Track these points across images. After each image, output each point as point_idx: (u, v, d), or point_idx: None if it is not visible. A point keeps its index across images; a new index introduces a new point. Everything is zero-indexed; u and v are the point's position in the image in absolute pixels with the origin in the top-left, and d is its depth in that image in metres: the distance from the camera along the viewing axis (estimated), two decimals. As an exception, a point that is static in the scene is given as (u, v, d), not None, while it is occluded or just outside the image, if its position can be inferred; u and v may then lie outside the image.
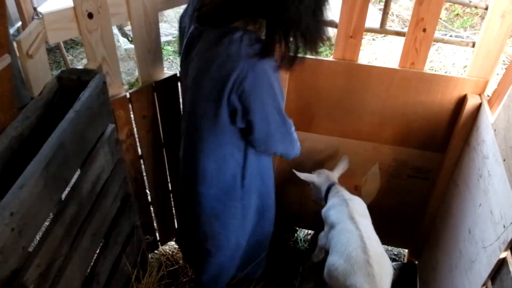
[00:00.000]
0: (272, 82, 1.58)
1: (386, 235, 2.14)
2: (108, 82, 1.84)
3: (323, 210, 2.18)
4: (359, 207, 2.09)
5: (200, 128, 1.72)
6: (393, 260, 2.79)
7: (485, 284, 1.59)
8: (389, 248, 2.87)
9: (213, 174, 1.83)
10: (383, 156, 2.35)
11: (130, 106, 2.00)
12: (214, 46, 1.53)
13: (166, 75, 2.10)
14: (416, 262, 2.70)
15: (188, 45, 1.66)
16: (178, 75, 2.09)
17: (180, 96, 1.99)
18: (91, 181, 1.60)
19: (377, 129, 2.26)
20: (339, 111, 2.16)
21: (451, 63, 4.62)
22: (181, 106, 2.00)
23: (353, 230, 1.90)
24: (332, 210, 2.10)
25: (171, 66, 4.86)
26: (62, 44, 3.94)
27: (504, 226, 1.49)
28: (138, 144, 2.16)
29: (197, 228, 2.02)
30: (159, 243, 2.65)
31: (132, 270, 2.14)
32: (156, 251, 2.66)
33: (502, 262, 1.50)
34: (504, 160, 1.59)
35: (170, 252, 2.69)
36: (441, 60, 4.66)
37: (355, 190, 2.50)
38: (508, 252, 1.47)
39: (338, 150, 2.28)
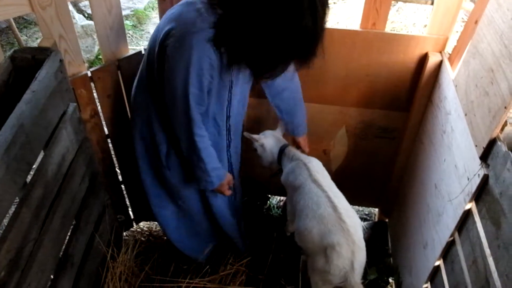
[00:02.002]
0: (192, 61, 1.55)
1: (356, 195, 2.18)
2: (67, 60, 1.79)
3: (283, 177, 2.18)
4: (318, 167, 2.10)
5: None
6: (364, 219, 2.86)
7: (452, 235, 1.65)
8: (360, 208, 2.94)
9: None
10: (350, 119, 2.38)
11: (92, 84, 1.94)
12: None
13: (130, 52, 2.04)
14: (387, 220, 2.77)
15: None
16: (143, 52, 2.04)
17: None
18: (56, 162, 1.57)
19: (342, 92, 2.27)
20: (303, 76, 2.15)
21: (412, 23, 4.66)
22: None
23: (319, 192, 1.93)
24: (292, 175, 2.10)
25: (131, 41, 4.73)
26: (13, 23, 3.77)
27: (468, 179, 1.54)
28: (104, 123, 2.11)
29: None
30: (133, 221, 2.63)
31: (107, 249, 2.13)
32: (132, 229, 2.65)
33: (468, 214, 1.55)
34: (465, 115, 1.63)
35: (146, 229, 2.68)
36: (402, 21, 4.70)
37: (324, 155, 2.53)
38: (473, 203, 1.52)
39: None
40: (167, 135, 1.88)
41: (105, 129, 2.13)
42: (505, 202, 1.28)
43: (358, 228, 1.87)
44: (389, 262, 2.50)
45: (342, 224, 1.81)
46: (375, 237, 2.66)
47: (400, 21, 4.71)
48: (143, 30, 5.07)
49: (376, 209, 2.91)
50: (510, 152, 1.31)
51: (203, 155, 1.78)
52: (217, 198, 2.11)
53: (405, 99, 2.24)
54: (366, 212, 2.95)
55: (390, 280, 2.42)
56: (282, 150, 2.19)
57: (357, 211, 2.89)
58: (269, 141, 2.21)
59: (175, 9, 1.61)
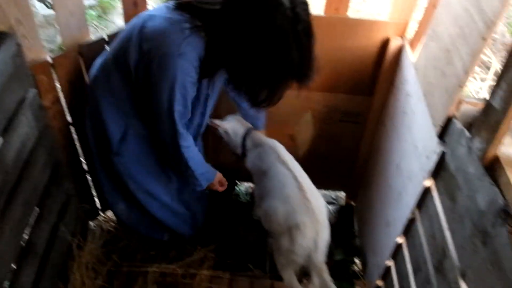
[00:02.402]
0: (176, 82, 1.59)
1: (323, 180, 2.21)
2: (26, 45, 1.74)
3: (249, 162, 2.18)
4: (281, 149, 2.11)
5: None
6: (331, 203, 2.90)
7: (412, 212, 1.70)
8: (327, 192, 2.98)
9: None
10: (315, 104, 2.40)
11: (53, 71, 1.90)
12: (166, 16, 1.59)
13: (92, 39, 2.01)
14: (353, 204, 2.82)
15: None
16: (106, 38, 2.02)
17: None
18: (15, 149, 1.53)
19: (307, 77, 2.28)
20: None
21: (377, 12, 4.73)
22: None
23: (285, 172, 1.95)
24: (259, 159, 2.11)
25: (95, 31, 4.64)
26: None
27: (426, 157, 1.58)
28: (66, 111, 2.07)
29: None
30: (99, 211, 2.60)
31: (73, 238, 2.10)
32: (99, 217, 2.61)
33: (427, 191, 1.60)
34: (425, 96, 1.68)
35: (114, 218, 2.65)
36: (368, 10, 4.76)
37: (290, 140, 2.55)
38: (431, 180, 1.57)
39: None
40: (125, 122, 1.88)
41: (68, 117, 2.09)
42: (460, 176, 1.33)
43: (323, 208, 1.89)
44: (355, 243, 2.55)
45: (307, 204, 1.83)
46: (342, 220, 2.71)
47: (366, 10, 4.77)
48: (107, 20, 4.97)
49: (343, 193, 2.96)
50: (464, 129, 1.36)
51: (190, 164, 1.85)
52: (161, 189, 2.12)
53: (369, 83, 2.28)
54: (333, 196, 2.99)
55: (357, 261, 2.47)
56: (246, 134, 2.18)
57: (324, 195, 2.92)
58: (232, 125, 2.19)
59: (158, 22, 1.59)
